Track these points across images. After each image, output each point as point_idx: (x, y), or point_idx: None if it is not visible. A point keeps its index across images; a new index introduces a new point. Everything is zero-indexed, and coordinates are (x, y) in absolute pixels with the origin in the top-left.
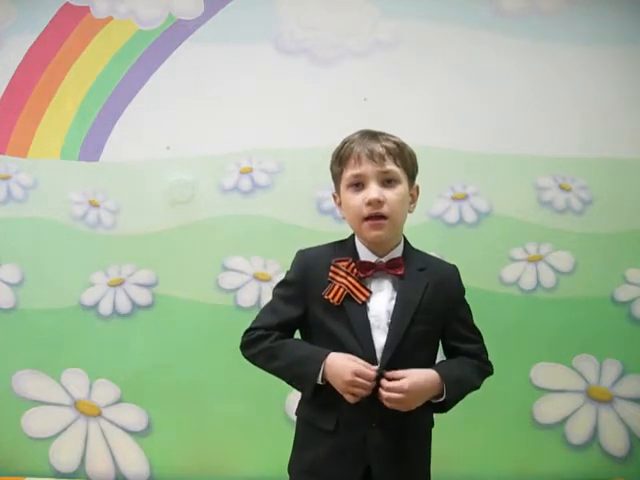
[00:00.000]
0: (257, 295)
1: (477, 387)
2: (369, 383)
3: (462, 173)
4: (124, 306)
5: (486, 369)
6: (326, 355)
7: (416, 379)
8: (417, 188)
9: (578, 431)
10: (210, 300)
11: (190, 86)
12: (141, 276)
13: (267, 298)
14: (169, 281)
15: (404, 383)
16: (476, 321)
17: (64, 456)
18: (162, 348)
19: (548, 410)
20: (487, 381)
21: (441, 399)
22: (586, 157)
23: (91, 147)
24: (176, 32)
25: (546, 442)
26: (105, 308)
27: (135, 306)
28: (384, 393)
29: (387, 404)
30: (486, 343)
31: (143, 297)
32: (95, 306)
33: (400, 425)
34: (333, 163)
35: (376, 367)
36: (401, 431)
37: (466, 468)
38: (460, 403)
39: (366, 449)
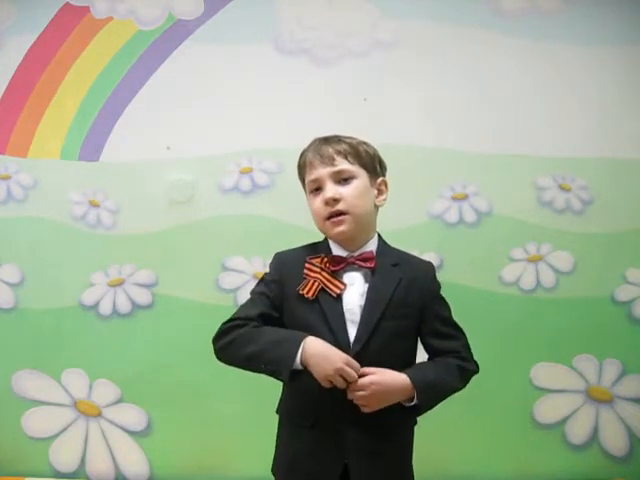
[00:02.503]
0: None
1: (459, 389)
2: (355, 375)
3: (462, 173)
4: (124, 306)
5: (469, 368)
6: (303, 337)
7: (381, 379)
8: (384, 182)
9: (578, 431)
10: (210, 300)
11: (190, 86)
12: (141, 276)
13: None
14: (169, 281)
15: (366, 381)
16: (476, 321)
17: (64, 456)
18: (162, 348)
19: (548, 410)
20: (487, 381)
21: (412, 403)
22: (586, 157)
23: (91, 147)
24: (176, 32)
25: (546, 442)
26: (105, 308)
27: (135, 306)
28: (353, 394)
29: (355, 400)
30: (486, 343)
31: (143, 297)
32: (95, 306)
33: (377, 421)
34: (298, 175)
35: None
36: (378, 427)
37: (466, 468)
38: (460, 403)
39: (343, 445)
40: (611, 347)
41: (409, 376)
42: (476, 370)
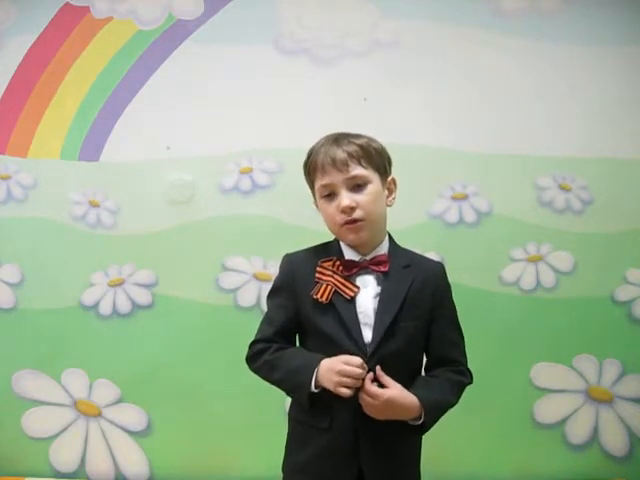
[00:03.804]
0: (257, 295)
1: (454, 404)
2: (358, 370)
3: (462, 173)
4: (124, 306)
5: (465, 382)
6: (319, 361)
7: (395, 396)
8: (393, 180)
9: (578, 431)
10: (210, 300)
11: (190, 86)
12: (141, 276)
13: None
14: (169, 281)
15: (384, 395)
16: (476, 321)
17: (64, 456)
18: (162, 348)
19: (548, 410)
20: (487, 381)
21: (419, 422)
22: (586, 157)
23: (91, 147)
24: (176, 32)
25: (546, 442)
26: (105, 308)
27: (135, 306)
28: (363, 396)
29: (362, 404)
30: (486, 343)
31: (143, 297)
32: (95, 306)
33: (391, 425)
34: (305, 175)
35: (362, 362)
36: (392, 431)
37: (466, 468)
38: (460, 403)
39: (358, 448)
40: (611, 347)
41: (418, 397)
42: (470, 382)
